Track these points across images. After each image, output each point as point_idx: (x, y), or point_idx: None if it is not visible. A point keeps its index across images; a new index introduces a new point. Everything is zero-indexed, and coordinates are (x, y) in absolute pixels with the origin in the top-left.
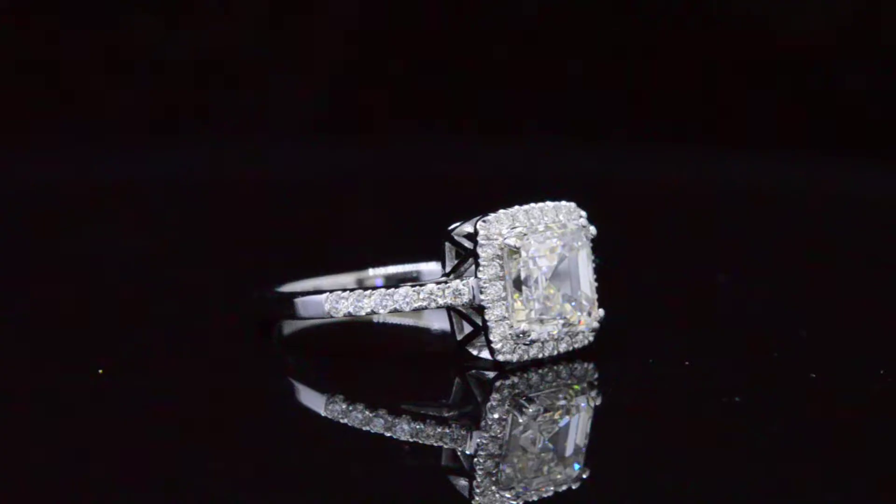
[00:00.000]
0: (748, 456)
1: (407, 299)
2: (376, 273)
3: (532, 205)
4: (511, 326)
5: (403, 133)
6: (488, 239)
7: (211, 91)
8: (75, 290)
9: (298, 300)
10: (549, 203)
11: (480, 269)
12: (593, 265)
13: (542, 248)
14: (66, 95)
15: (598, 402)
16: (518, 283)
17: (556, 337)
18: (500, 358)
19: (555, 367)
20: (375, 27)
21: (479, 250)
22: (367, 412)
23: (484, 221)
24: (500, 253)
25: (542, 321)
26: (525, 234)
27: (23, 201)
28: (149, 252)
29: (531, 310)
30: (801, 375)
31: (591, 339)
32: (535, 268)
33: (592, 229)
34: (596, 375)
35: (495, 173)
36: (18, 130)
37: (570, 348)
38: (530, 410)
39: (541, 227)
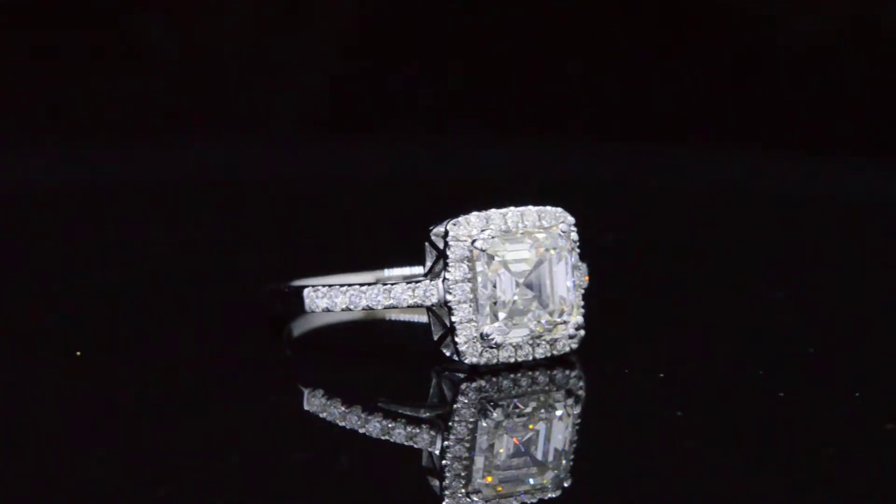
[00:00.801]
0: (727, 467)
1: (378, 297)
2: (391, 273)
3: (512, 208)
4: (477, 329)
5: (404, 133)
6: (457, 240)
7: (210, 91)
8: (75, 290)
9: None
10: (531, 207)
11: (448, 269)
12: (580, 270)
13: (516, 251)
14: (67, 95)
15: (574, 409)
16: (487, 286)
17: (530, 342)
18: (466, 360)
19: (530, 373)
20: (376, 27)
21: (447, 251)
22: (343, 408)
23: (454, 223)
24: (468, 254)
25: (510, 325)
26: (495, 237)
27: (23, 201)
28: (149, 252)
29: (498, 313)
30: (782, 385)
31: (574, 346)
32: (505, 271)
33: (574, 236)
34: (576, 383)
35: (511, 174)
36: (18, 130)
37: (550, 354)
38: (494, 415)
39: (518, 231)
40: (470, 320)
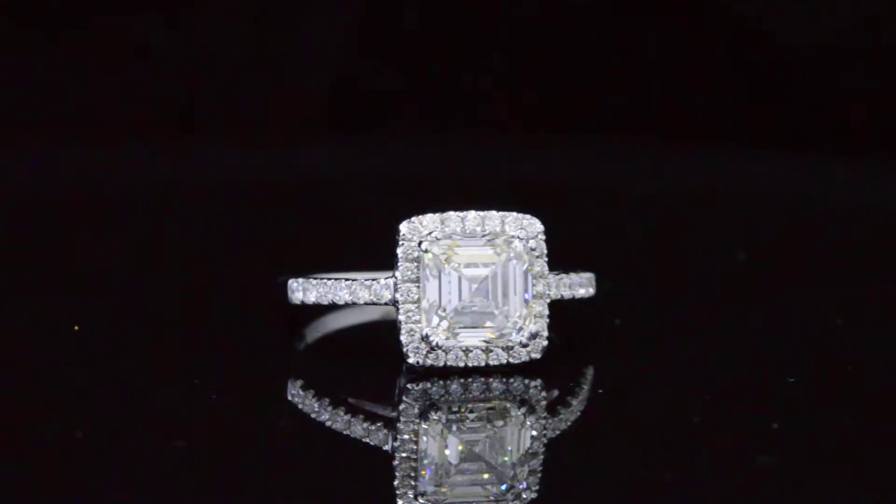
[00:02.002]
0: (694, 483)
1: (341, 293)
2: None
3: (473, 211)
4: (421, 330)
5: (404, 133)
6: (407, 239)
7: (210, 91)
8: (76, 290)
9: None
10: (493, 212)
11: (398, 268)
12: (545, 279)
13: (471, 256)
14: (67, 95)
15: (529, 419)
16: (432, 288)
17: (482, 348)
18: (409, 359)
19: (483, 379)
20: (375, 27)
21: (398, 250)
22: (315, 402)
23: (408, 222)
24: (416, 254)
25: (454, 329)
26: (449, 239)
27: (25, 202)
28: (148, 252)
29: (442, 316)
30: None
31: (536, 356)
32: (455, 274)
33: (540, 244)
34: (535, 394)
35: (515, 175)
36: (18, 130)
37: (504, 362)
38: (434, 418)
39: (477, 235)
40: (416, 321)
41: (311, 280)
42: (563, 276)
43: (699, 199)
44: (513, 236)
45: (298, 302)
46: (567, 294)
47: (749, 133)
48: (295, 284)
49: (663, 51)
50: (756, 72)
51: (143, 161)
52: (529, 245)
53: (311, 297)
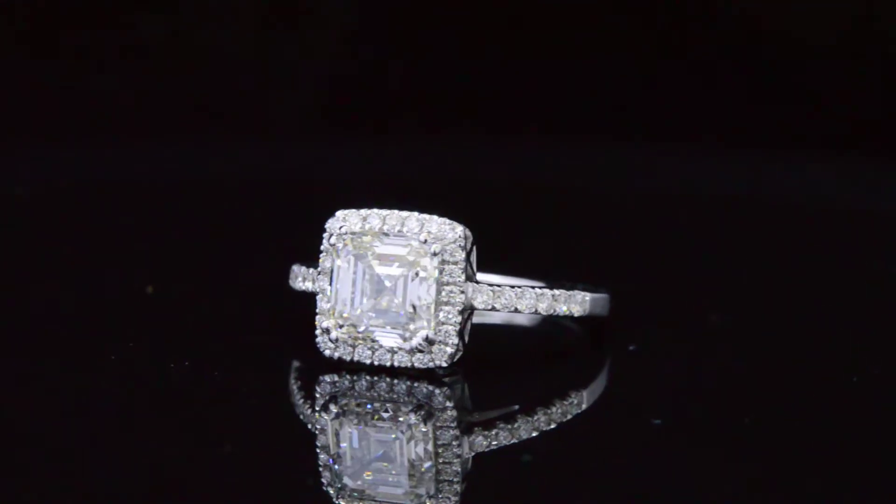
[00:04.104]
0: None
1: (305, 284)
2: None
3: (395, 211)
4: (324, 322)
5: (404, 133)
6: (327, 232)
7: (209, 91)
8: (77, 291)
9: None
10: (416, 214)
11: (320, 258)
12: (458, 286)
13: (383, 255)
14: (66, 95)
15: (421, 426)
16: (336, 282)
17: (388, 349)
18: (323, 352)
19: (388, 379)
20: (375, 27)
21: (322, 240)
22: (297, 391)
23: (333, 216)
24: (328, 247)
25: (353, 326)
26: (364, 235)
27: (27, 201)
28: (149, 252)
29: (341, 310)
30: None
31: (441, 363)
32: (362, 270)
33: (457, 251)
34: (439, 401)
35: (514, 175)
36: (18, 130)
37: (410, 364)
38: (325, 412)
39: (392, 234)
40: (323, 311)
41: (303, 268)
42: (504, 288)
43: (698, 199)
44: (427, 241)
45: (295, 288)
46: (502, 306)
47: (733, 132)
48: (291, 272)
49: (662, 51)
50: (750, 70)
51: (144, 161)
52: (445, 251)
53: (292, 284)
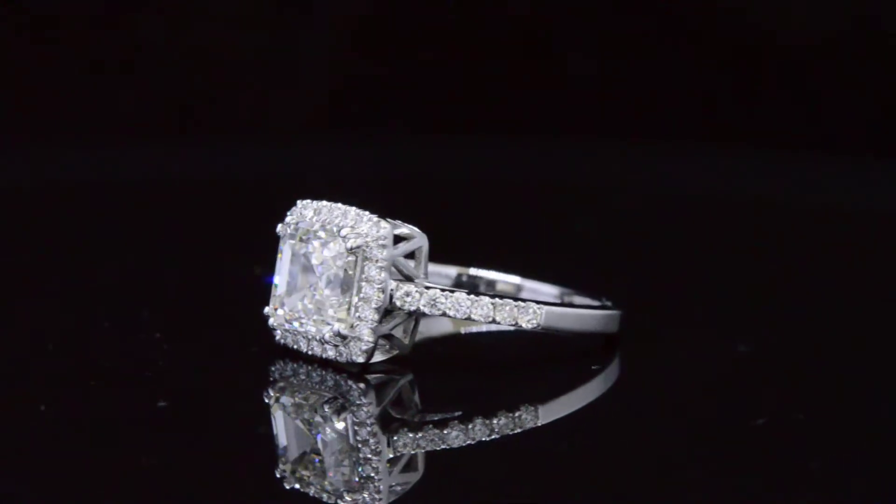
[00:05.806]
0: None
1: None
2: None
3: (339, 204)
4: (266, 308)
5: (405, 133)
6: (283, 221)
7: (209, 91)
8: (78, 291)
9: None
10: (352, 209)
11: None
12: (378, 285)
13: (317, 246)
14: (66, 95)
15: (335, 421)
16: (282, 271)
17: (317, 338)
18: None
19: (321, 370)
20: (375, 26)
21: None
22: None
23: (295, 205)
24: (280, 234)
25: (292, 314)
26: (311, 229)
27: (27, 201)
28: (148, 252)
29: (278, 296)
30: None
31: (358, 360)
32: (294, 258)
33: (377, 250)
34: (353, 396)
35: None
36: (18, 130)
37: (339, 358)
38: (272, 395)
39: (330, 227)
40: (274, 295)
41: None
42: (452, 294)
43: (699, 199)
44: (354, 236)
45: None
46: (432, 311)
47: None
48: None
49: (662, 50)
50: (747, 71)
51: (143, 161)
52: (368, 248)
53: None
